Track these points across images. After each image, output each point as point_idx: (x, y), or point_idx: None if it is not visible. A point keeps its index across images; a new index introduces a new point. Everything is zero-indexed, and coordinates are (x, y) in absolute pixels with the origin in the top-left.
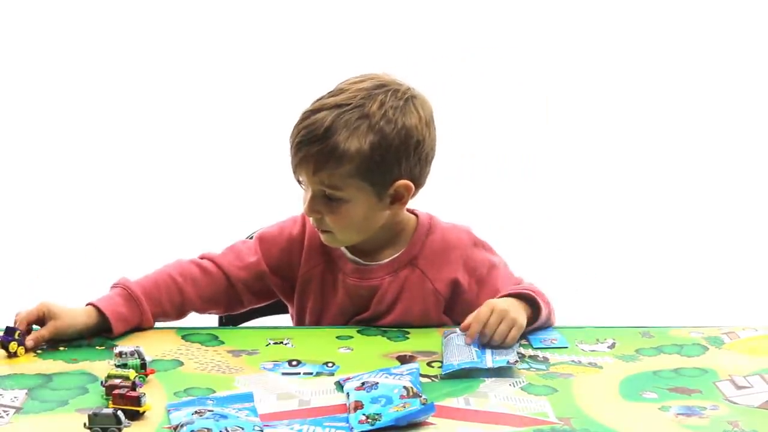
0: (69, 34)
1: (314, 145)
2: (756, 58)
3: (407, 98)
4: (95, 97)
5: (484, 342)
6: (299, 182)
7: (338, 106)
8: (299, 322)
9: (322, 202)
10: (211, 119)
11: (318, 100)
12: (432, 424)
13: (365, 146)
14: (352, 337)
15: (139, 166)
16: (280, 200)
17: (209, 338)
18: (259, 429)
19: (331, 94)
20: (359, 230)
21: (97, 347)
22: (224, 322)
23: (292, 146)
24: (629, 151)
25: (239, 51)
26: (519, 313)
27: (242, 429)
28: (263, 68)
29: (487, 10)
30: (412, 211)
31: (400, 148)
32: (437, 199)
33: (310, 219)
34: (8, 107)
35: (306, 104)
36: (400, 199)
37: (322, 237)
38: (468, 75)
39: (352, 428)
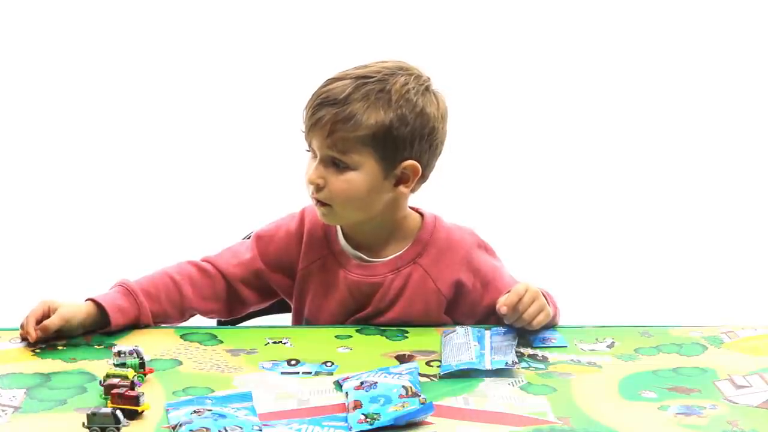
0: (69, 34)
1: (332, 108)
2: (754, 58)
3: (428, 86)
4: (95, 98)
5: (514, 319)
6: (309, 149)
7: (361, 77)
8: (298, 317)
9: (329, 169)
10: (209, 119)
11: (341, 71)
12: (431, 423)
13: (382, 120)
14: (351, 336)
15: (137, 166)
16: (278, 199)
17: (208, 337)
18: (257, 428)
19: (355, 67)
20: (359, 206)
21: (95, 346)
22: (223, 322)
23: (308, 109)
24: (629, 151)
25: (238, 51)
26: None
27: (241, 428)
28: (261, 69)
29: (487, 9)
30: (417, 210)
31: (415, 130)
32: (437, 199)
33: (310, 189)
34: (8, 108)
35: (303, 104)
36: (405, 181)
37: (320, 212)
38: (467, 74)
39: (350, 428)
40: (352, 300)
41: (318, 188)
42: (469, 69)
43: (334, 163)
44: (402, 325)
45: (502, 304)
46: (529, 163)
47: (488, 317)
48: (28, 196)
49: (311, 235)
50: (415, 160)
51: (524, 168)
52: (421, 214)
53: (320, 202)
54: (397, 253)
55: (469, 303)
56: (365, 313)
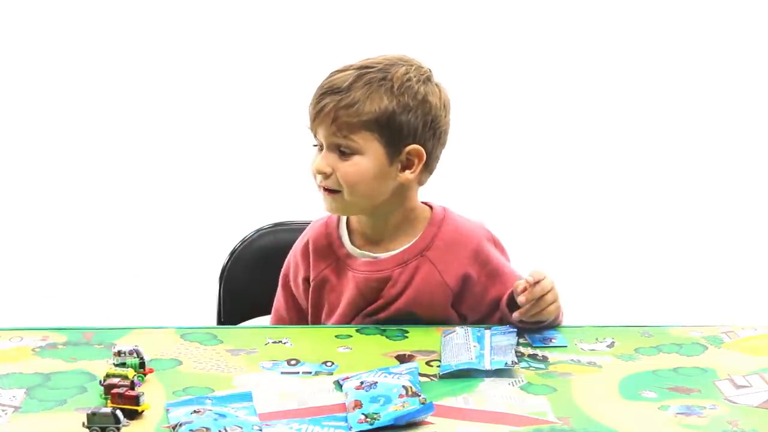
0: (69, 34)
1: (335, 96)
2: (755, 58)
3: (429, 77)
4: (95, 98)
5: (533, 299)
6: (315, 140)
7: (363, 67)
8: (313, 323)
9: (335, 157)
10: (209, 120)
11: (345, 64)
12: (431, 423)
13: (385, 106)
14: (351, 336)
15: (138, 166)
16: (279, 199)
17: (208, 337)
18: (257, 428)
19: (359, 60)
20: (367, 191)
21: (95, 346)
22: (223, 321)
23: (313, 99)
24: (630, 151)
25: (239, 50)
26: None
27: (241, 428)
28: (261, 70)
29: (488, 8)
30: (426, 203)
31: (417, 116)
32: (438, 195)
33: (317, 178)
34: (8, 108)
35: (304, 105)
36: (410, 166)
37: (328, 202)
38: (467, 74)
39: (350, 427)
40: (361, 298)
41: (326, 176)
42: (480, 66)
43: (340, 151)
44: (407, 316)
45: (527, 280)
46: (529, 163)
47: (493, 312)
48: (29, 197)
49: (316, 246)
50: (419, 146)
51: (525, 168)
52: (431, 207)
53: (328, 191)
54: (405, 246)
55: (475, 295)
56: (374, 306)
